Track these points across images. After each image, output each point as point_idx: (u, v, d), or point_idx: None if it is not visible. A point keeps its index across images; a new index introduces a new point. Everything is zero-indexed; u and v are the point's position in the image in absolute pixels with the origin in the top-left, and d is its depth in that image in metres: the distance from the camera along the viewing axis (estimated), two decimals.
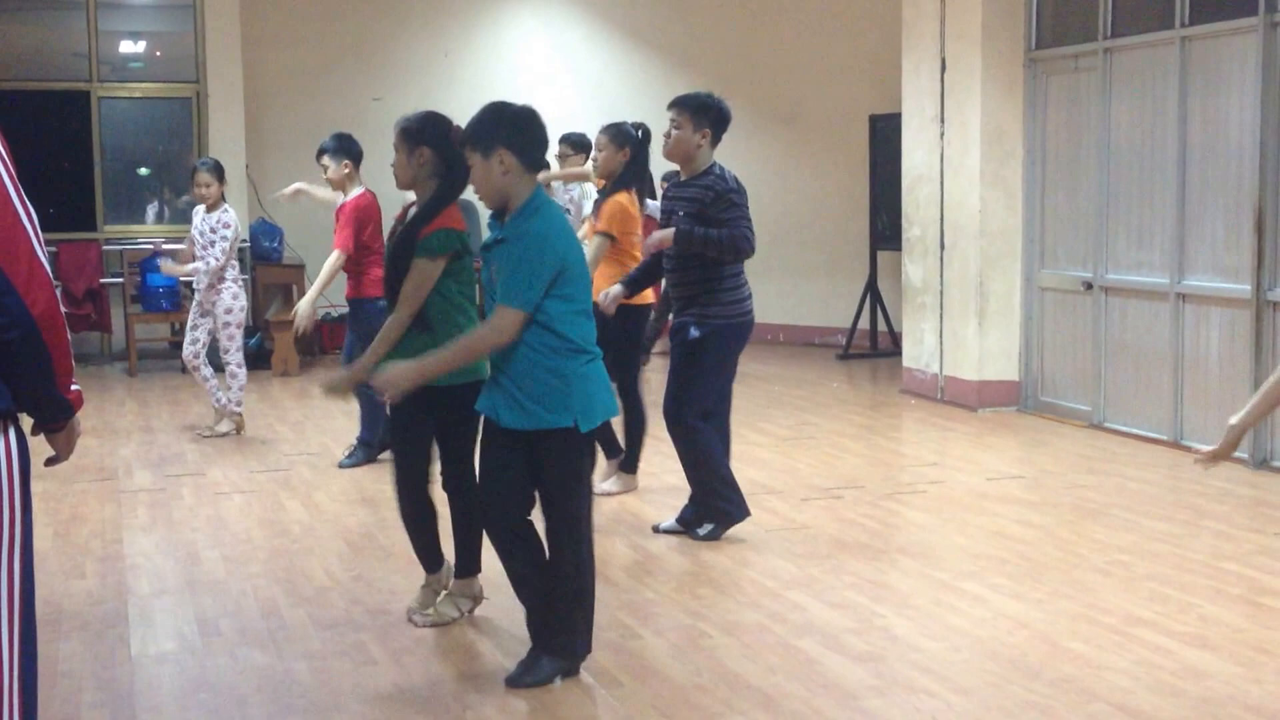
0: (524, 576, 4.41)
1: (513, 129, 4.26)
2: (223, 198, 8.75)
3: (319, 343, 12.46)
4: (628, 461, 7.13)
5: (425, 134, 4.88)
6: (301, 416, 9.52)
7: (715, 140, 6.04)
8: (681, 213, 5.98)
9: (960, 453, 8.26)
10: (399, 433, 5.00)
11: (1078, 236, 9.04)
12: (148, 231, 12.65)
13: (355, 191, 7.70)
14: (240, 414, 8.81)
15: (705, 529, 6.19)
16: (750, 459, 7.84)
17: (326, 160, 7.76)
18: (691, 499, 6.29)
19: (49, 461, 3.20)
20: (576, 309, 4.24)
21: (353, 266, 7.58)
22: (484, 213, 4.73)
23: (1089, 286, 8.88)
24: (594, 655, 4.60)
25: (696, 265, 5.97)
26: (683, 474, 6.35)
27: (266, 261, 12.35)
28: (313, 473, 7.72)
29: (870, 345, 12.33)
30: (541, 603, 4.39)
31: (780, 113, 12.96)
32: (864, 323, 12.33)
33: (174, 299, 11.68)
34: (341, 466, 7.77)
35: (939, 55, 9.68)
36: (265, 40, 12.93)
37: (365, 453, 7.82)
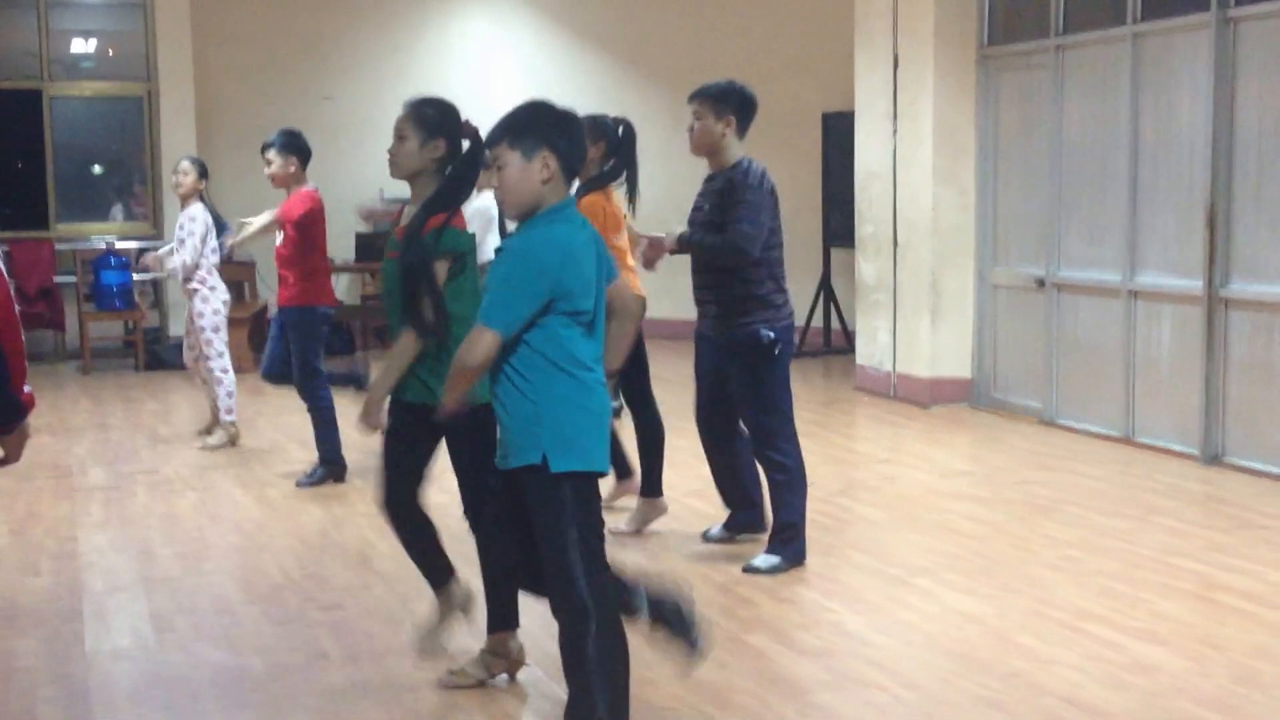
0: None
1: (561, 131, 3.80)
2: (200, 196, 8.48)
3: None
4: (648, 484, 6.45)
5: (445, 124, 4.40)
6: (254, 413, 9.47)
7: (742, 129, 5.70)
8: (707, 207, 5.69)
9: (912, 449, 8.31)
10: (390, 453, 4.49)
11: (1030, 233, 9.12)
12: (100, 230, 12.53)
13: (302, 189, 7.48)
14: (231, 423, 8.41)
15: (769, 561, 5.73)
16: (703, 456, 7.83)
17: (272, 155, 7.50)
18: (742, 508, 6.02)
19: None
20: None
21: (295, 268, 7.32)
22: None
23: (1041, 284, 8.97)
24: (543, 649, 4.52)
25: (741, 269, 5.61)
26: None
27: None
28: (266, 470, 7.69)
29: (824, 343, 12.38)
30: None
31: None
32: (817, 320, 12.38)
33: (127, 297, 11.61)
34: (300, 485, 7.35)
35: (891, 52, 9.74)
36: (216, 39, 12.86)
37: (327, 471, 7.41)
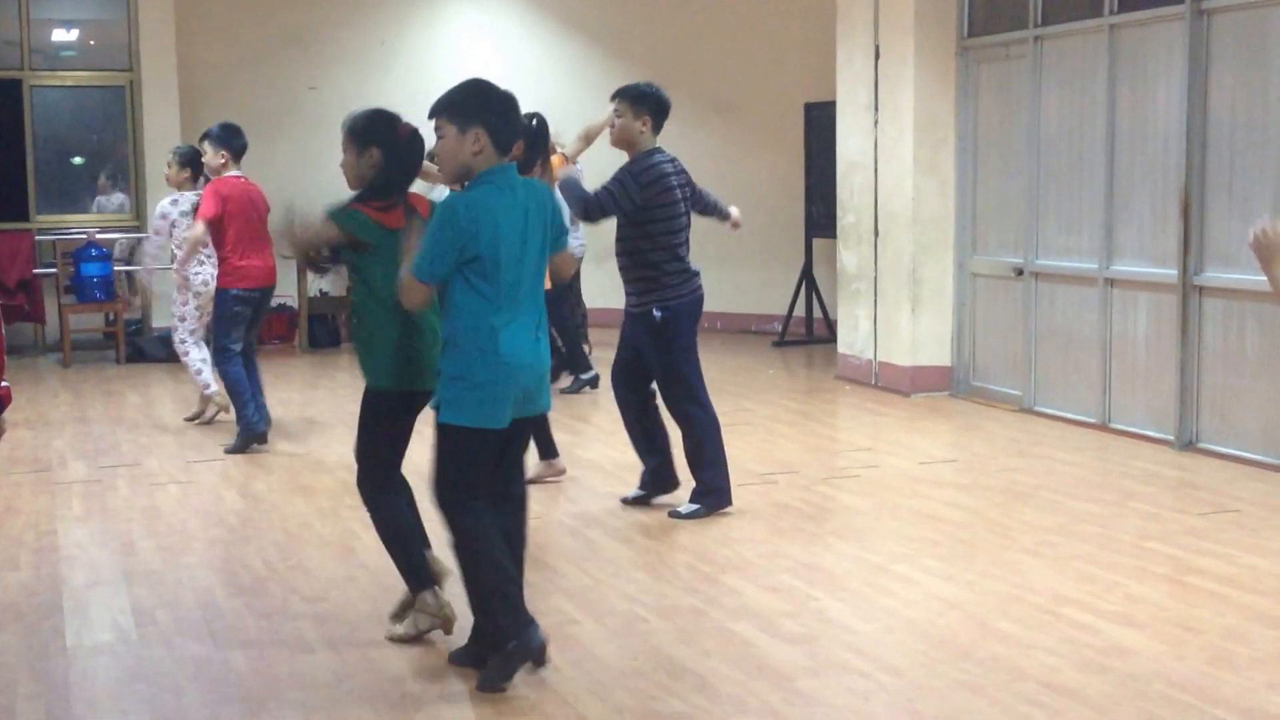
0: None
1: (494, 111, 4.26)
2: (190, 183, 8.72)
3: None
4: (547, 448, 7.02)
5: (373, 134, 4.75)
6: None
7: (656, 128, 6.39)
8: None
9: (893, 437, 8.36)
10: (363, 442, 4.77)
11: (1009, 223, 9.16)
12: (81, 221, 12.51)
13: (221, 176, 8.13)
14: (210, 395, 8.77)
15: (690, 508, 6.41)
16: (676, 444, 7.89)
17: (206, 146, 8.20)
18: (648, 467, 6.63)
19: None
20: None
21: (216, 253, 8.12)
22: None
23: (1020, 272, 9.01)
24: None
25: (642, 252, 6.29)
26: (617, 449, 6.45)
27: None
28: (250, 463, 7.69)
29: (805, 332, 12.43)
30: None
31: (716, 101, 13.02)
32: (799, 309, 12.43)
33: (108, 289, 11.58)
34: (227, 453, 7.88)
35: (873, 43, 9.77)
36: (200, 28, 12.82)
37: (242, 438, 7.94)
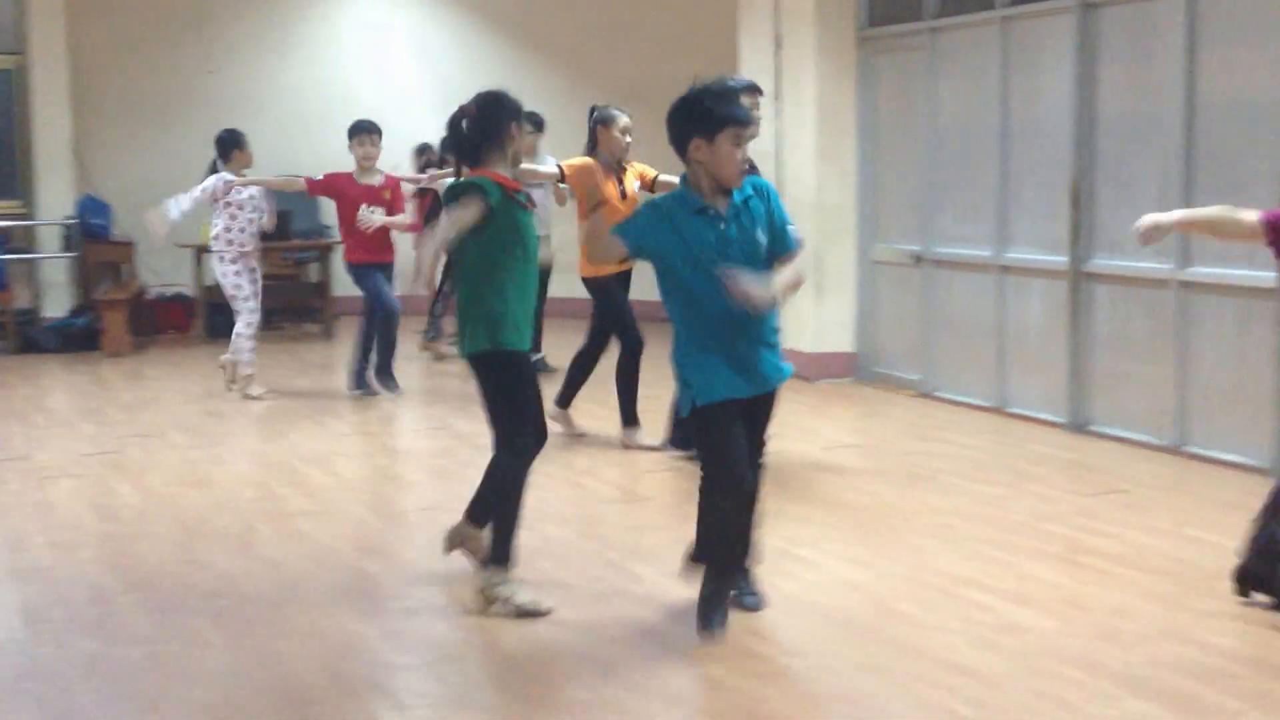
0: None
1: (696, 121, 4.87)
2: (214, 166, 8.87)
3: (153, 321, 12.18)
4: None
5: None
6: (133, 398, 9.31)
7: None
8: None
9: (798, 423, 8.40)
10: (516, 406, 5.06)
11: (908, 211, 9.27)
12: None
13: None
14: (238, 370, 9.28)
15: None
16: (589, 432, 7.91)
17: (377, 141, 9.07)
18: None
19: None
20: None
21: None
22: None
23: (918, 260, 9.13)
24: (435, 634, 4.70)
25: None
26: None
27: (95, 239, 12.03)
28: (145, 455, 7.55)
29: None
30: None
31: (620, 90, 12.98)
32: None
33: None
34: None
35: (774, 33, 9.82)
36: (91, 8, 12.55)
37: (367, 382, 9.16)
